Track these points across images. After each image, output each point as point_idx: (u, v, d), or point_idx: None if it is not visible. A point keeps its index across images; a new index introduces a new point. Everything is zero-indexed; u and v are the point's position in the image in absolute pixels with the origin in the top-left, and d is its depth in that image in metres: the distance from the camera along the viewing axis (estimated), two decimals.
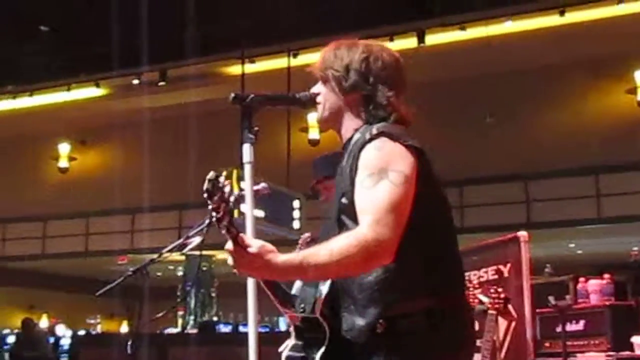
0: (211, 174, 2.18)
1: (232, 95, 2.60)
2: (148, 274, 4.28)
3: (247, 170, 2.59)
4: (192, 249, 4.06)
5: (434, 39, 14.13)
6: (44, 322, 19.78)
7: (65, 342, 16.00)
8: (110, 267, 18.38)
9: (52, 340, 15.90)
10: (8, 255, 19.91)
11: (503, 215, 14.40)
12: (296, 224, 10.07)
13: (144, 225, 17.14)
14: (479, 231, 12.75)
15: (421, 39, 13.95)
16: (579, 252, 17.58)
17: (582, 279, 6.73)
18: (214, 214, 2.19)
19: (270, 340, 2.92)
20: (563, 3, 13.26)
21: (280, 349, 2.75)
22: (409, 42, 13.76)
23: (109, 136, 18.56)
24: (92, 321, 19.20)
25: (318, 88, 2.66)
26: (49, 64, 15.96)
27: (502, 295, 5.08)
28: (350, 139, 2.55)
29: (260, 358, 2.64)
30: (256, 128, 2.59)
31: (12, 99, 17.79)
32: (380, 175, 2.32)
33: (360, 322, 2.42)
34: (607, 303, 6.44)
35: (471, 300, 5.04)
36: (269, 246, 2.28)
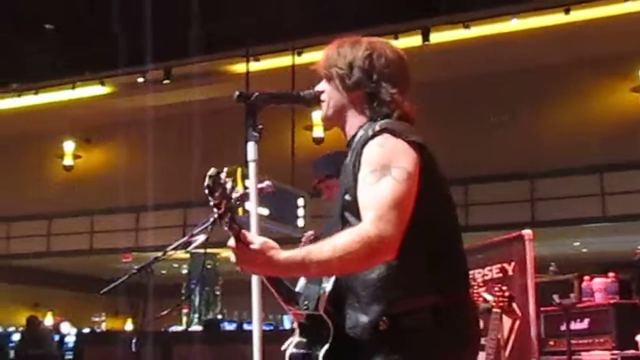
0: (212, 171, 2.18)
1: (237, 93, 2.60)
2: (152, 272, 4.28)
3: (252, 168, 2.60)
4: (196, 247, 4.06)
5: (438, 37, 14.13)
6: (48, 320, 19.81)
7: (70, 340, 16.02)
8: (115, 265, 18.40)
9: (57, 338, 15.93)
10: (13, 253, 19.95)
11: (508, 213, 14.39)
12: (300, 222, 10.08)
13: (148, 224, 17.15)
14: (484, 229, 12.76)
15: (426, 38, 13.95)
16: (584, 250, 17.56)
17: (586, 278, 6.72)
18: (215, 210, 2.19)
19: (274, 338, 2.92)
20: (568, 2, 13.24)
21: (283, 347, 2.75)
22: (414, 41, 13.75)
23: (113, 134, 18.57)
24: (97, 319, 19.25)
25: (322, 86, 2.66)
26: (53, 63, 16.00)
27: (507, 294, 5.08)
28: (354, 136, 2.55)
29: (264, 356, 2.64)
30: (260, 126, 2.59)
31: (17, 97, 17.82)
32: (383, 172, 2.32)
33: (363, 319, 2.42)
34: (612, 301, 6.43)
35: (476, 298, 5.04)
36: (272, 243, 2.28)
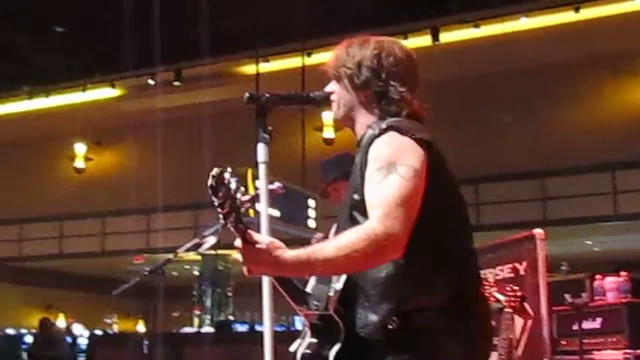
0: (215, 170, 2.18)
1: (247, 95, 2.61)
2: (164, 274, 4.30)
3: (262, 170, 2.60)
4: (208, 249, 4.07)
5: (448, 36, 14.12)
6: (61, 322, 19.87)
7: (82, 342, 16.06)
8: (126, 267, 18.46)
9: (69, 339, 15.98)
10: (25, 255, 20.03)
11: (519, 212, 14.37)
12: (311, 223, 10.09)
13: (159, 225, 17.19)
14: (495, 229, 12.74)
15: (436, 37, 13.94)
16: (596, 249, 17.50)
17: (598, 277, 6.70)
18: (219, 210, 2.20)
19: (286, 339, 2.92)
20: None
21: (291, 348, 2.75)
22: (424, 40, 13.75)
23: (124, 136, 18.62)
24: (109, 321, 19.28)
25: (332, 86, 2.66)
26: (64, 65, 16.04)
27: (519, 294, 5.06)
28: (363, 135, 2.55)
29: (276, 357, 2.64)
30: (270, 128, 2.59)
31: (29, 99, 17.90)
32: (390, 169, 2.31)
33: (373, 318, 2.42)
34: (624, 300, 6.40)
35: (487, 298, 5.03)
36: (278, 242, 2.27)
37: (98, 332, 17.50)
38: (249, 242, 2.23)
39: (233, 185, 2.19)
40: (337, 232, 2.46)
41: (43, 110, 17.88)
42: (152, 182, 15.03)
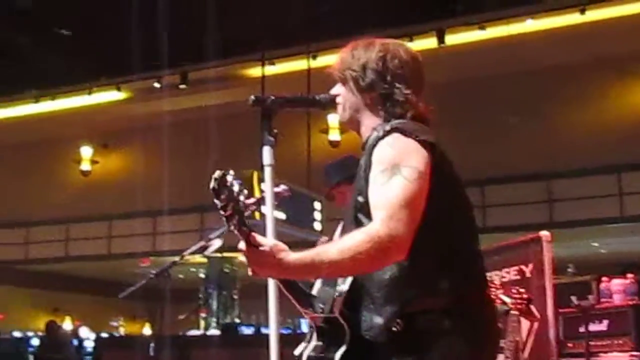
0: (217, 173, 2.19)
1: (252, 98, 2.61)
2: (170, 277, 4.30)
3: (267, 172, 2.60)
4: (214, 251, 4.07)
5: (454, 38, 14.10)
6: (67, 325, 19.89)
7: (89, 345, 16.08)
8: (132, 270, 18.46)
9: (75, 342, 16.00)
10: (32, 258, 20.07)
11: (525, 214, 14.35)
12: (317, 226, 10.09)
13: (165, 228, 17.21)
14: (501, 231, 12.72)
15: (441, 39, 13.93)
16: (602, 251, 17.47)
17: (605, 279, 6.68)
18: (221, 212, 2.19)
19: (292, 341, 2.92)
20: (583, 1, 13.19)
21: (296, 352, 2.75)
22: (429, 42, 13.74)
23: (130, 139, 18.64)
24: (115, 323, 19.30)
25: (337, 89, 2.66)
26: (70, 68, 16.05)
27: (525, 296, 5.05)
28: (369, 137, 2.55)
29: None
30: (276, 130, 2.60)
31: (35, 102, 17.92)
32: (393, 171, 2.32)
33: (378, 320, 2.42)
34: (631, 303, 6.38)
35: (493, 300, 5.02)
36: (282, 245, 2.28)
37: (104, 335, 17.52)
38: (252, 245, 2.23)
39: (236, 188, 2.19)
40: (342, 235, 2.46)
41: (49, 114, 17.91)
42: (158, 184, 15.05)
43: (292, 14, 12.85)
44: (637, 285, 6.51)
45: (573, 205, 14.40)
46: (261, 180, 2.68)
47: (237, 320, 16.51)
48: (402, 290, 2.39)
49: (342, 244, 2.25)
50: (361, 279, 2.48)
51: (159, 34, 12.23)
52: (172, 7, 11.96)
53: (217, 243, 4.20)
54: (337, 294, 2.54)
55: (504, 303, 5.04)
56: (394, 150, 2.37)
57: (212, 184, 2.17)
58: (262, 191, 2.67)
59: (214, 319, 17.06)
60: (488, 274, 2.74)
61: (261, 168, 2.62)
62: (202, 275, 18.63)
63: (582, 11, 13.18)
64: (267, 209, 2.61)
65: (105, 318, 19.76)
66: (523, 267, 5.64)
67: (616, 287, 6.54)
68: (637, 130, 13.91)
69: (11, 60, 15.30)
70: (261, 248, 2.24)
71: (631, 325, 6.21)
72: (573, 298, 6.26)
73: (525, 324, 5.39)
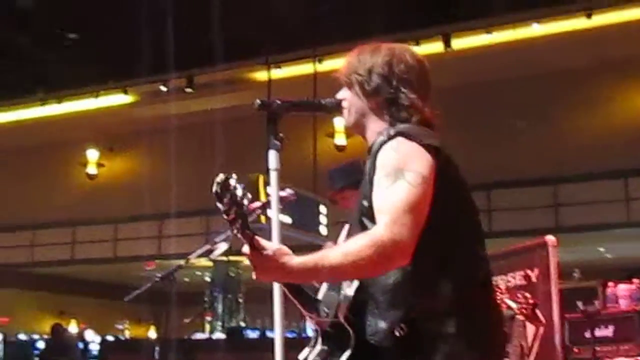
0: (220, 177, 2.18)
1: (258, 102, 2.61)
2: (175, 280, 4.30)
3: (273, 176, 2.60)
4: (219, 255, 4.07)
5: (460, 43, 14.10)
6: (73, 328, 19.91)
7: (94, 348, 16.09)
8: (138, 273, 18.46)
9: (81, 345, 16.01)
10: (37, 260, 20.09)
11: (531, 219, 14.32)
12: (323, 230, 10.07)
13: (171, 231, 17.22)
14: (507, 235, 12.71)
15: (447, 43, 13.93)
16: (608, 256, 17.43)
17: (611, 284, 6.67)
18: (224, 217, 2.20)
19: (297, 345, 2.91)
20: (589, 6, 13.18)
21: (300, 356, 2.75)
22: (436, 47, 13.74)
23: (136, 143, 18.67)
24: (120, 326, 19.31)
25: (343, 93, 2.66)
26: (77, 72, 16.10)
27: (530, 301, 5.05)
28: (374, 142, 2.54)
29: None
30: (281, 135, 2.59)
31: (41, 106, 17.97)
32: (397, 175, 2.31)
33: (382, 325, 2.41)
34: (637, 308, 6.38)
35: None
36: (285, 249, 2.27)
37: (110, 338, 17.53)
38: (256, 249, 2.24)
39: (239, 192, 2.18)
40: (347, 238, 2.46)
41: (56, 117, 17.96)
42: (163, 188, 15.06)
43: (297, 18, 12.87)
44: None
45: (579, 210, 14.38)
46: (267, 184, 2.68)
47: (243, 324, 16.53)
48: (406, 295, 2.38)
49: (346, 248, 2.24)
50: (366, 283, 2.47)
51: (166, 38, 12.26)
52: (178, 11, 11.99)
53: (222, 246, 4.20)
54: (341, 298, 2.54)
55: (510, 308, 5.04)
56: (397, 155, 2.36)
57: (214, 188, 2.17)
58: (267, 195, 2.67)
59: (219, 323, 17.09)
60: (493, 279, 2.73)
61: (267, 172, 2.62)
62: (207, 279, 18.68)
63: (589, 15, 13.17)
64: (273, 212, 2.61)
65: (110, 321, 19.77)
66: (529, 271, 5.63)
67: (622, 293, 6.54)
68: None
69: (18, 63, 15.34)
70: (264, 252, 2.23)
71: (637, 331, 6.21)
72: (579, 303, 6.25)
73: (530, 328, 5.37)
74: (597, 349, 6.16)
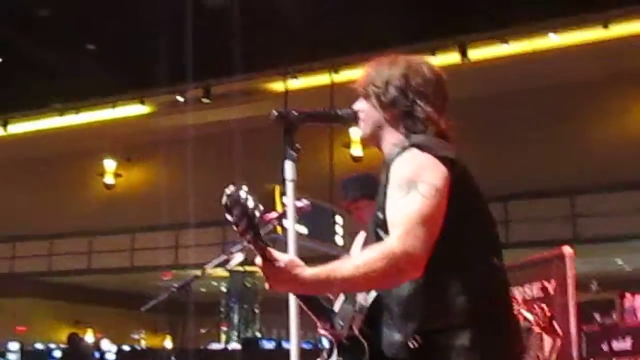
0: (229, 189, 2.18)
1: (274, 112, 2.61)
2: (191, 290, 4.30)
3: (289, 187, 2.60)
4: (235, 265, 4.07)
5: (477, 53, 14.09)
6: (89, 337, 19.97)
7: (110, 357, 16.12)
8: (155, 283, 18.53)
9: (97, 355, 16.05)
10: (54, 270, 20.18)
11: (548, 230, 14.25)
12: (339, 240, 10.05)
13: (188, 241, 17.25)
14: (524, 246, 12.64)
15: (464, 54, 13.92)
16: (626, 267, 17.32)
17: (628, 296, 6.63)
18: (234, 228, 2.19)
19: (313, 356, 2.91)
20: (607, 16, 13.14)
21: None
22: (452, 57, 13.73)
23: (153, 153, 18.74)
24: (137, 336, 19.35)
25: (360, 104, 2.67)
26: (94, 82, 16.19)
27: (547, 313, 5.02)
28: (389, 153, 2.54)
29: None
30: (298, 145, 2.60)
31: (59, 116, 18.08)
32: (410, 187, 2.31)
33: (397, 337, 2.40)
34: None
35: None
36: (297, 260, 2.28)
37: (126, 347, 17.56)
38: (268, 260, 2.24)
39: (250, 204, 2.16)
40: (363, 249, 2.46)
41: (73, 127, 18.06)
42: (180, 198, 15.11)
43: (315, 29, 12.89)
44: None
45: (597, 221, 14.30)
46: (283, 194, 2.68)
47: (258, 334, 16.53)
48: (420, 307, 2.37)
49: (358, 260, 2.24)
50: (381, 294, 2.47)
51: (183, 48, 12.31)
52: (195, 22, 12.04)
53: (238, 257, 4.21)
54: (356, 310, 2.54)
55: (526, 319, 5.01)
56: (411, 166, 2.36)
57: (224, 200, 2.17)
58: (284, 205, 2.67)
59: (235, 333, 17.09)
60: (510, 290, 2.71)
61: (283, 182, 2.63)
62: (223, 289, 18.69)
63: (606, 26, 13.13)
64: (289, 223, 2.61)
65: (127, 331, 19.81)
66: (546, 283, 5.59)
67: None
68: None
69: (36, 74, 15.44)
70: (277, 264, 2.24)
71: None
72: (596, 315, 6.22)
73: (548, 341, 5.34)
74: None
